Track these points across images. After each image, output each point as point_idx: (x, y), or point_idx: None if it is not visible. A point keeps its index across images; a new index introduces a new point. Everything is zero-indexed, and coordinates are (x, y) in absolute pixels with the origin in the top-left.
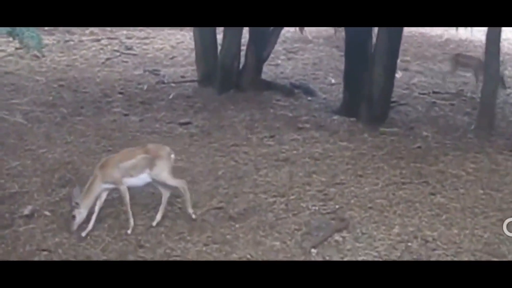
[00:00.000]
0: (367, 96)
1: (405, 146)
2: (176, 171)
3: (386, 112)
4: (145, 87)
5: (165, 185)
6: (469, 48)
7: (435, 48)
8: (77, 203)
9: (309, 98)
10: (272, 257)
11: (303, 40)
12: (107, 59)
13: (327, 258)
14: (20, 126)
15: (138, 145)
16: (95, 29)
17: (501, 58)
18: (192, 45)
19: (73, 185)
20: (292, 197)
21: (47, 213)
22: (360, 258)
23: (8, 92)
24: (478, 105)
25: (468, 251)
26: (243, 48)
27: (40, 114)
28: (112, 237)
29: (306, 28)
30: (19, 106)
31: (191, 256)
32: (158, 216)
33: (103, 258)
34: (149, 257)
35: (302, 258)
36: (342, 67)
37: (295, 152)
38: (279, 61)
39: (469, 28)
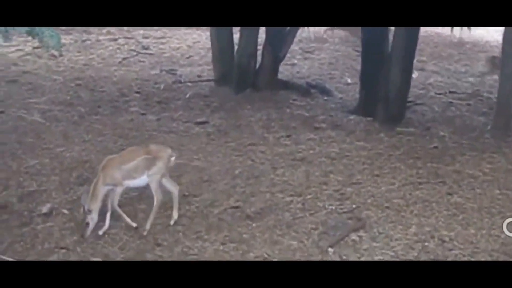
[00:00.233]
0: (383, 96)
1: (421, 146)
2: (193, 171)
3: (403, 112)
4: (162, 86)
5: (165, 185)
6: (486, 48)
7: (451, 48)
8: (89, 210)
9: (326, 97)
10: (289, 256)
11: (319, 40)
12: (124, 58)
13: (344, 258)
14: (38, 125)
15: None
16: (112, 29)
17: None
18: (208, 44)
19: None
20: (309, 196)
21: (65, 211)
22: (376, 258)
23: (26, 91)
24: (495, 105)
25: (485, 251)
26: (260, 47)
27: (58, 113)
28: (129, 236)
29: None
30: (37, 105)
31: (208, 255)
32: (175, 214)
33: (121, 256)
34: (166, 255)
35: (319, 258)
36: (358, 66)
37: (311, 151)
38: (295, 61)
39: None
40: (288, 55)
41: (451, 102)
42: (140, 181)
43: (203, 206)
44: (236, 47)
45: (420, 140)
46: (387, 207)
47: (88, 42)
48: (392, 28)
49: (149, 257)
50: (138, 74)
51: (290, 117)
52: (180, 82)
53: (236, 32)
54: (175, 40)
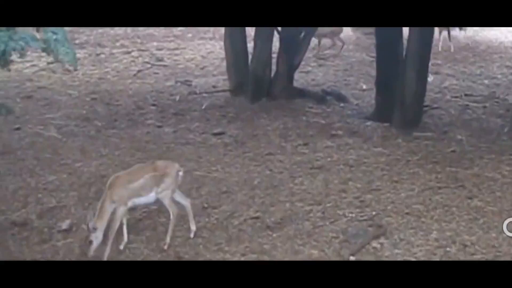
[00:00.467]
0: (399, 101)
1: (439, 150)
2: (211, 182)
3: (419, 116)
4: (178, 98)
5: (176, 200)
6: (500, 49)
7: (466, 50)
8: (94, 228)
9: (341, 104)
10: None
11: (334, 47)
12: (139, 71)
13: None
14: (55, 140)
15: (170, 158)
16: (126, 41)
17: None
18: (222, 54)
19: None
20: (328, 204)
21: (85, 227)
22: None
23: (42, 106)
24: (511, 107)
25: (507, 254)
26: (274, 56)
27: (74, 128)
28: (150, 249)
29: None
30: (53, 121)
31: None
32: (192, 226)
33: None
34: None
35: None
36: (373, 72)
37: (329, 159)
38: (310, 68)
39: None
40: (302, 62)
41: (467, 105)
42: (148, 198)
43: (223, 218)
44: (250, 56)
45: (437, 144)
46: (407, 213)
47: (102, 55)
48: (406, 32)
49: None
50: (153, 86)
51: (306, 125)
52: (196, 93)
53: (250, 41)
54: (189, 51)
